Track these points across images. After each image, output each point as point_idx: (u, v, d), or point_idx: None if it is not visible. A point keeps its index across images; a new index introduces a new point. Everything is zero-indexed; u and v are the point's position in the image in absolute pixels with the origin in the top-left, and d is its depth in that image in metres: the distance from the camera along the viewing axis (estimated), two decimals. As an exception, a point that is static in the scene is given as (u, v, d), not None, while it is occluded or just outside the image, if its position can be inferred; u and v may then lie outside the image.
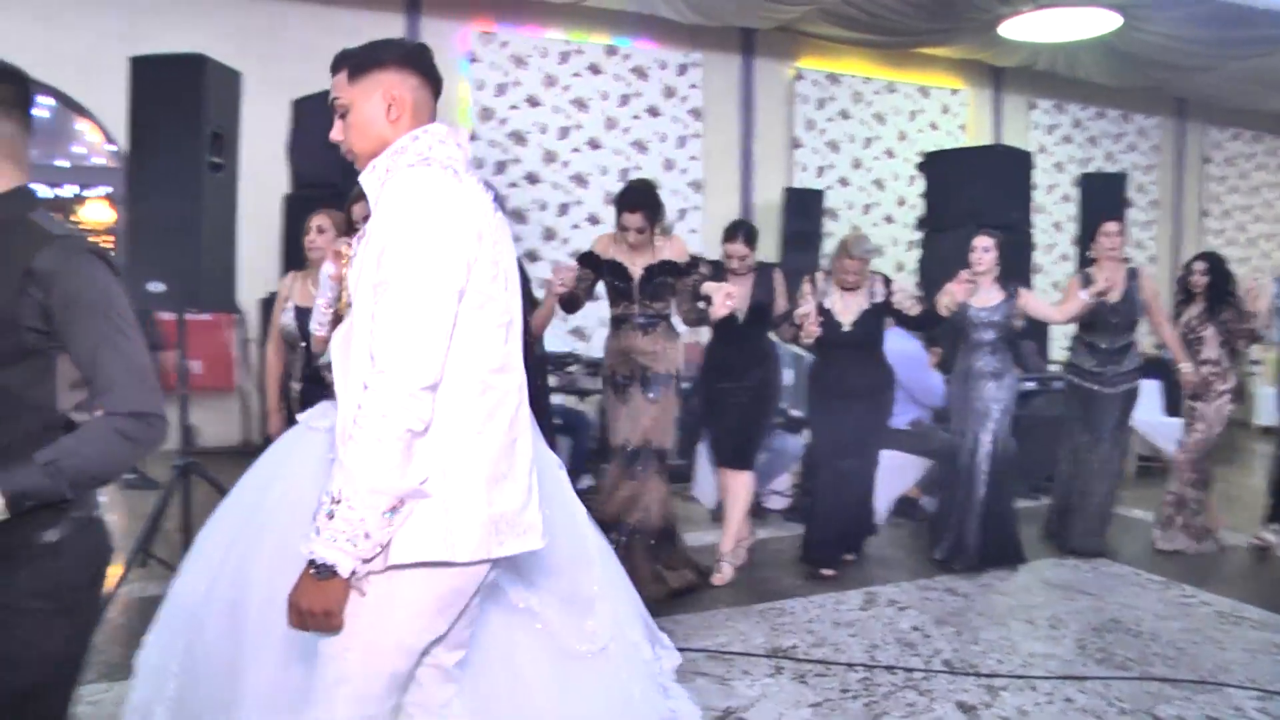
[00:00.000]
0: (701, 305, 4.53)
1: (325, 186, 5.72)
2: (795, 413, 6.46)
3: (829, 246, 7.90)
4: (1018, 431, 5.30)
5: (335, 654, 1.80)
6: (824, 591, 4.81)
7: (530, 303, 4.39)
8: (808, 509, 5.34)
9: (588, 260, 4.73)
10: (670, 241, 4.73)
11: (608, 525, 4.46)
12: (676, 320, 4.77)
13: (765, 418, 5.09)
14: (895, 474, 5.88)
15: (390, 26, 8.56)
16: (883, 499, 5.67)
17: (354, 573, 1.70)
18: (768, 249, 8.67)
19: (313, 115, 5.80)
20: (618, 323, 4.75)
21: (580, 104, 9.02)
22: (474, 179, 1.87)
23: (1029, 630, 4.31)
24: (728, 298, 4.20)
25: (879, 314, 4.95)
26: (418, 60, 1.92)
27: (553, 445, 3.93)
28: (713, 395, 5.06)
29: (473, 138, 8.85)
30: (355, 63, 1.88)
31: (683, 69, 9.19)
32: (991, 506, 5.12)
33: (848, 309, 4.96)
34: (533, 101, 8.94)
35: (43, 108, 7.89)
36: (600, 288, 4.77)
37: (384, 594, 1.77)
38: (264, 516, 2.72)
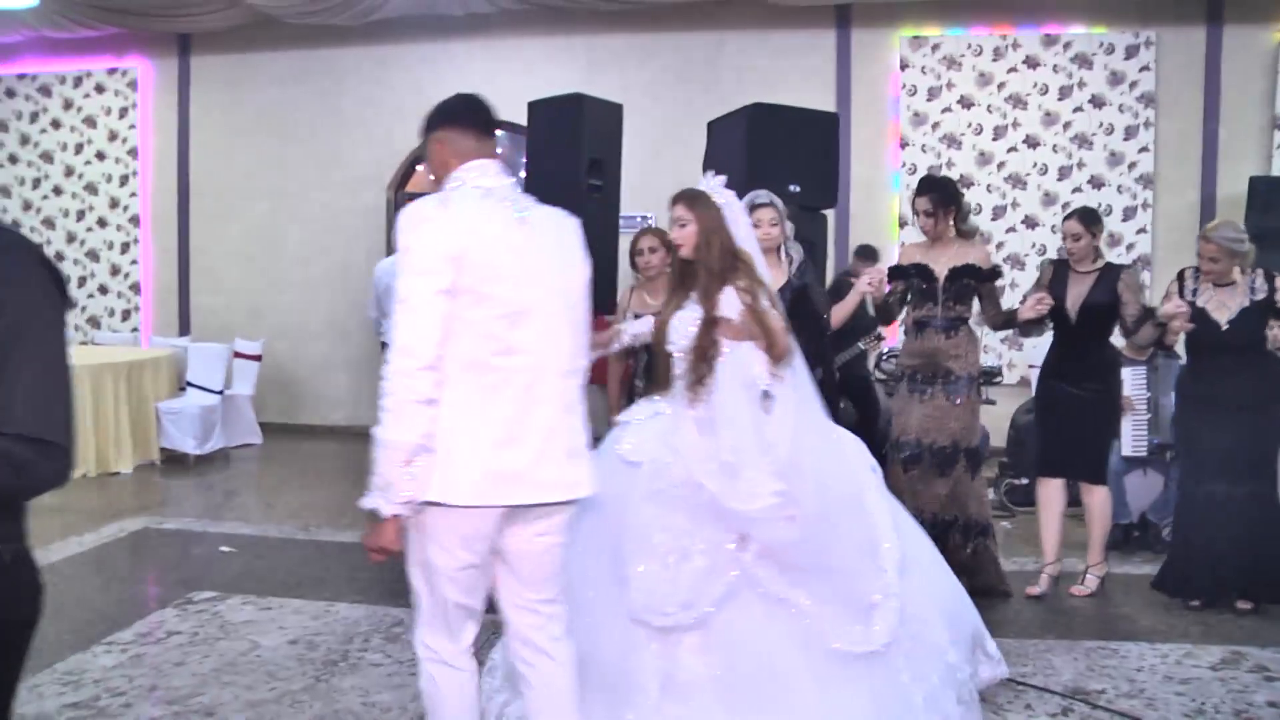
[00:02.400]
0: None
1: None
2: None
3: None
4: None
5: (410, 572, 2.51)
6: (1176, 640, 4.31)
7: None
8: (1171, 540, 4.94)
9: (896, 273, 4.95)
10: (975, 245, 4.87)
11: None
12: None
13: (1106, 427, 4.97)
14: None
15: (822, 42, 8.83)
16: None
17: (397, 515, 2.32)
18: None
19: (725, 134, 6.27)
20: (920, 325, 4.89)
21: (1017, 100, 8.70)
22: (503, 198, 2.51)
23: None
24: (1039, 302, 4.46)
25: (1261, 312, 4.49)
26: (449, 117, 2.64)
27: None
28: (1047, 402, 5.01)
29: (903, 145, 8.84)
30: (422, 128, 2.67)
31: (1132, 50, 8.50)
32: None
33: (1223, 306, 4.56)
34: (965, 103, 8.82)
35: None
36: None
37: (419, 526, 2.40)
38: None
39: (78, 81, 10.56)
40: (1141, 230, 8.51)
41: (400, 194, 9.95)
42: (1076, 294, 4.79)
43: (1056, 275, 4.89)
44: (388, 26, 9.28)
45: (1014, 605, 4.78)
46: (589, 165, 5.27)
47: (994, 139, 8.75)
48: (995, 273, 4.87)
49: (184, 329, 10.30)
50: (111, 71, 10.49)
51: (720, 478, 2.97)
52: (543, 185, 5.33)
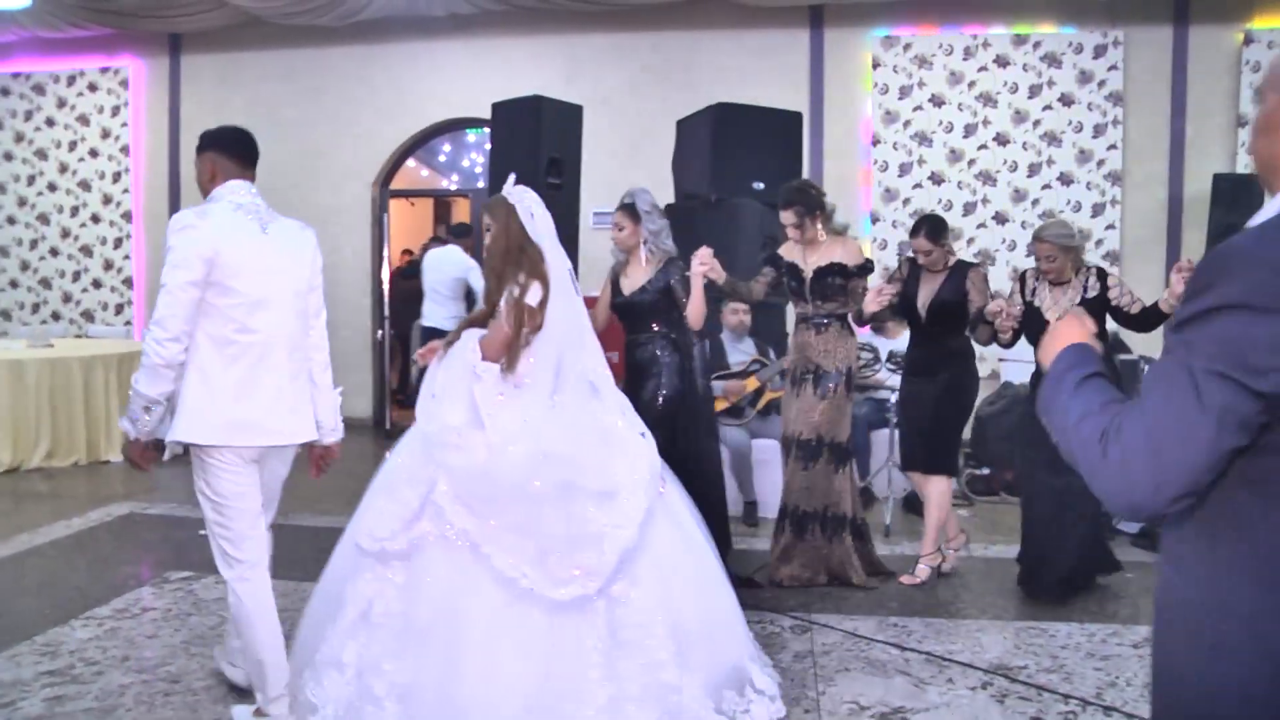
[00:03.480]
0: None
1: (697, 198, 6.34)
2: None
3: None
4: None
5: (201, 505, 3.33)
6: (1109, 621, 4.53)
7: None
8: (1023, 531, 5.09)
9: (772, 260, 5.16)
10: (844, 243, 5.03)
11: (784, 511, 5.11)
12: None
13: (956, 420, 5.18)
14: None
15: (795, 41, 9.02)
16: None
17: (139, 439, 3.22)
18: (1196, 243, 7.93)
19: (692, 133, 6.49)
20: (797, 321, 5.14)
21: (987, 99, 8.91)
22: (250, 212, 3.39)
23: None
24: (878, 294, 4.76)
25: (1093, 311, 4.58)
26: (218, 143, 3.55)
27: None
28: (904, 396, 5.31)
29: (875, 142, 9.01)
30: (197, 145, 3.55)
31: (1100, 50, 8.73)
32: None
33: (1056, 305, 4.76)
34: (937, 101, 9.00)
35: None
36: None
37: (198, 463, 3.28)
38: None
39: (71, 80, 10.85)
40: (1110, 226, 8.73)
41: (384, 190, 10.22)
42: (928, 292, 5.07)
43: (911, 274, 5.15)
44: (371, 27, 9.54)
45: (952, 587, 5.05)
46: (548, 164, 5.49)
47: (965, 136, 8.97)
48: (864, 269, 5.02)
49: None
50: (104, 70, 10.78)
51: (422, 408, 3.43)
52: (503, 183, 5.56)
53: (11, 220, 10.91)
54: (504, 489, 3.19)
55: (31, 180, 10.93)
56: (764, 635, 4.30)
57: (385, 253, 9.93)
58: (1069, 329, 1.61)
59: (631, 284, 4.73)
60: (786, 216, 4.95)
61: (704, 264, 4.50)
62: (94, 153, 10.84)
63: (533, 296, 3.38)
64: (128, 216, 10.78)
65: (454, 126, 10.14)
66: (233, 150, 3.48)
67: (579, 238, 5.87)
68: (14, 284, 10.99)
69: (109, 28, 10.08)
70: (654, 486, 3.35)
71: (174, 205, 10.59)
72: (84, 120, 10.86)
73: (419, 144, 10.38)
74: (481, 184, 10.31)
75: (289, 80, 10.25)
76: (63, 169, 10.89)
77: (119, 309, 10.87)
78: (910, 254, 5.12)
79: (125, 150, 10.76)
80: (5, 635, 4.21)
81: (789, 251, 5.09)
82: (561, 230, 5.61)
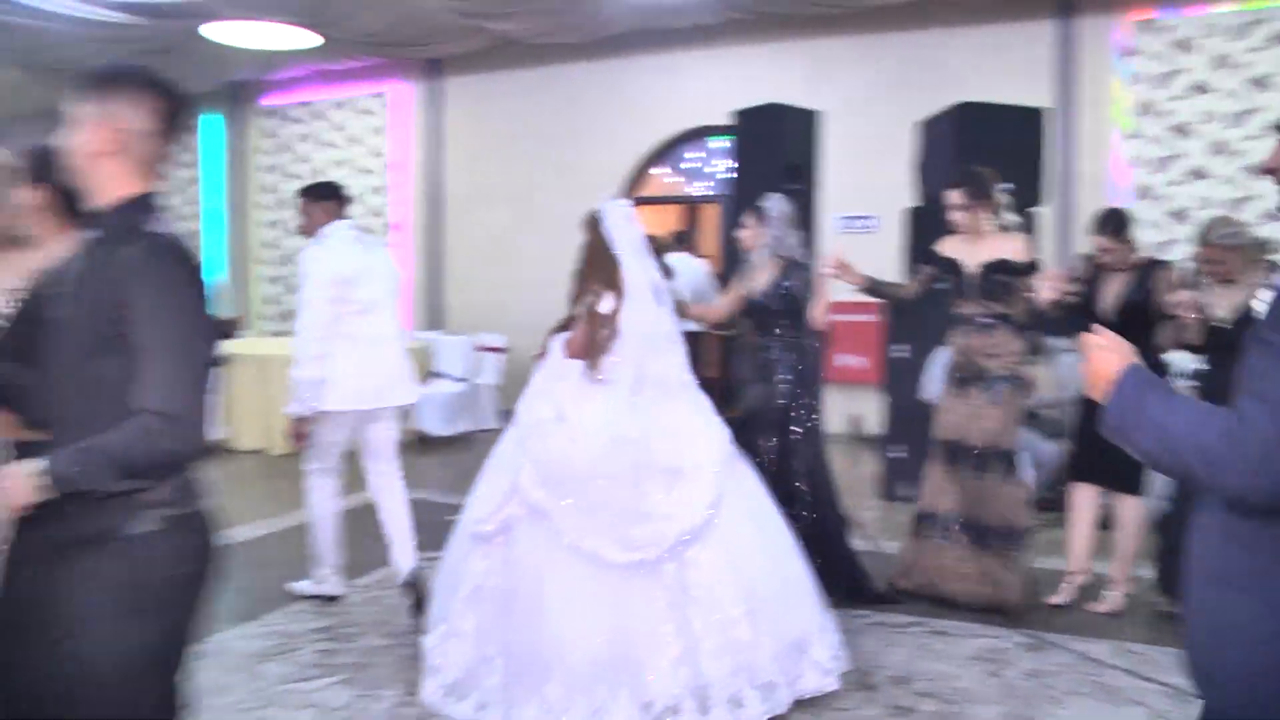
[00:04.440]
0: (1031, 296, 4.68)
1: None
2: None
3: None
4: None
5: (313, 439, 4.81)
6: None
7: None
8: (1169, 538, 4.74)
9: (928, 256, 5.04)
10: (1011, 239, 4.85)
11: (929, 515, 4.99)
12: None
13: None
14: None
15: (1040, 33, 8.90)
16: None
17: (302, 417, 4.67)
18: None
19: (934, 134, 6.61)
20: (958, 321, 4.96)
21: (1259, 84, 8.41)
22: (354, 240, 4.96)
23: None
24: (1052, 281, 4.49)
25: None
26: (321, 195, 5.06)
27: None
28: (1087, 407, 4.81)
29: (1129, 137, 8.79)
30: (305, 195, 5.12)
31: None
32: None
33: (1229, 305, 4.52)
34: (1200, 89, 8.58)
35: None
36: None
37: (321, 418, 4.74)
38: None
39: (344, 106, 12.06)
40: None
41: (631, 199, 10.69)
42: (1112, 293, 4.80)
43: (1090, 275, 4.87)
44: (618, 41, 10.10)
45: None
46: (788, 170, 5.77)
47: (1232, 126, 8.56)
48: (1033, 267, 4.77)
49: (436, 324, 11.54)
50: (374, 96, 11.95)
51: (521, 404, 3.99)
52: (745, 189, 5.90)
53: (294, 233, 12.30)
54: (580, 471, 3.63)
55: (311, 197, 12.26)
56: (992, 650, 4.37)
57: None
58: (1115, 355, 1.72)
59: (756, 286, 4.95)
60: (953, 197, 4.85)
61: (832, 270, 4.72)
62: (365, 170, 12.04)
63: (605, 305, 3.78)
64: (392, 227, 11.91)
65: (698, 134, 10.52)
66: (332, 199, 4.92)
67: (820, 242, 6.10)
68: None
69: (380, 58, 11.19)
70: (723, 470, 3.75)
71: (434, 216, 11.61)
72: (355, 140, 12.07)
73: (665, 152, 10.83)
74: (726, 190, 10.70)
75: (541, 96, 11.02)
76: (338, 186, 12.14)
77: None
78: (1089, 253, 4.91)
79: (392, 167, 11.89)
80: (289, 596, 5.00)
81: (949, 247, 4.96)
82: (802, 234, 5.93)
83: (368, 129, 12.07)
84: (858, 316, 9.06)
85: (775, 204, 4.95)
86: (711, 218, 10.72)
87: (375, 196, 12.04)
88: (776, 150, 5.85)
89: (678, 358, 3.94)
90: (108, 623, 1.95)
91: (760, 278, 4.93)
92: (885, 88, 9.42)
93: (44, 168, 2.66)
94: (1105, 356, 1.73)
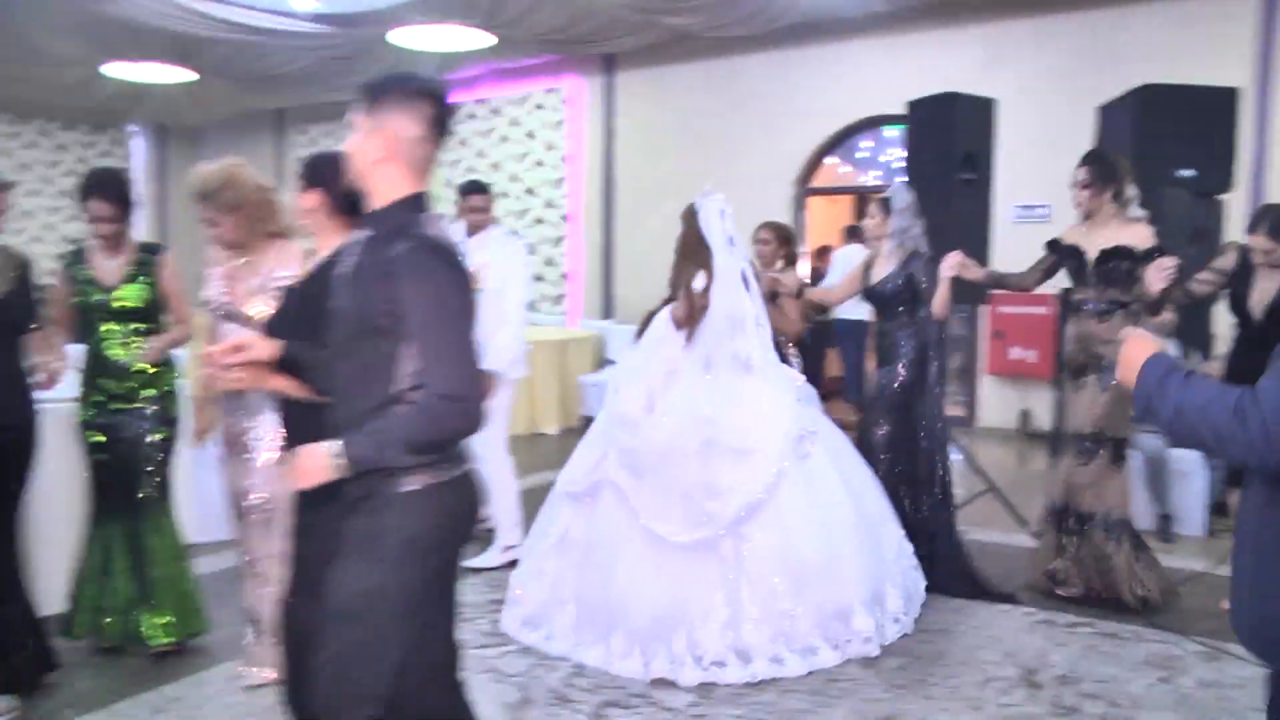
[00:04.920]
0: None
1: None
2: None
3: None
4: None
5: None
6: None
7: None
8: None
9: (1052, 245, 5.04)
10: (1133, 226, 4.81)
11: (1053, 510, 5.01)
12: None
13: None
14: None
15: (1235, 8, 8.55)
16: None
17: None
18: None
19: (1115, 118, 6.50)
20: (1075, 308, 4.98)
21: None
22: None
23: None
24: (1160, 275, 4.44)
25: None
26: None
27: None
28: None
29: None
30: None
31: None
32: None
33: (1264, 289, 4.53)
34: None
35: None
36: None
37: None
38: None
39: (521, 102, 12.56)
40: None
41: (803, 188, 10.91)
42: (1265, 291, 4.69)
43: (1241, 270, 4.76)
44: (789, 32, 10.20)
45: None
46: (962, 159, 5.79)
47: None
48: (1152, 254, 4.68)
49: (607, 313, 11.95)
50: (549, 91, 12.42)
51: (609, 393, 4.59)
52: (919, 179, 5.95)
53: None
54: (657, 454, 4.18)
55: (488, 190, 12.84)
56: (1164, 656, 4.31)
57: (801, 249, 10.59)
58: (1141, 346, 1.94)
59: (878, 274, 5.16)
60: (1079, 173, 4.87)
61: (952, 269, 4.87)
62: (539, 163, 12.55)
63: (698, 283, 4.37)
64: (566, 218, 12.35)
65: (871, 124, 10.53)
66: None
67: (995, 231, 6.08)
68: (471, 280, 12.95)
69: (555, 55, 11.62)
70: (788, 451, 4.17)
71: (607, 207, 11.98)
72: (531, 135, 12.58)
73: (837, 142, 10.88)
74: (899, 179, 10.66)
75: (712, 89, 11.24)
76: (513, 178, 12.67)
77: (557, 300, 12.46)
78: (1242, 245, 4.81)
79: (566, 160, 12.33)
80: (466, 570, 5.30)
81: (1071, 234, 4.98)
82: (974, 225, 5.95)
83: (543, 124, 12.55)
84: (1030, 309, 8.96)
85: (900, 194, 5.17)
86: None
87: (551, 190, 12.52)
88: (950, 139, 5.87)
89: (760, 340, 4.40)
90: (353, 561, 2.19)
91: (882, 266, 5.18)
92: (1062, 71, 9.23)
93: (316, 173, 3.03)
94: (1136, 346, 1.96)
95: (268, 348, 2.44)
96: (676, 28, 10.28)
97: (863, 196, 11.79)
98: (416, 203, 2.28)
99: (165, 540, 4.16)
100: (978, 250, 5.85)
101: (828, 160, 11.09)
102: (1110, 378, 4.72)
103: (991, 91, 6.42)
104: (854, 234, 10.58)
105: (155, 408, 4.10)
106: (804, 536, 4.12)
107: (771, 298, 5.23)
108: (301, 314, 2.57)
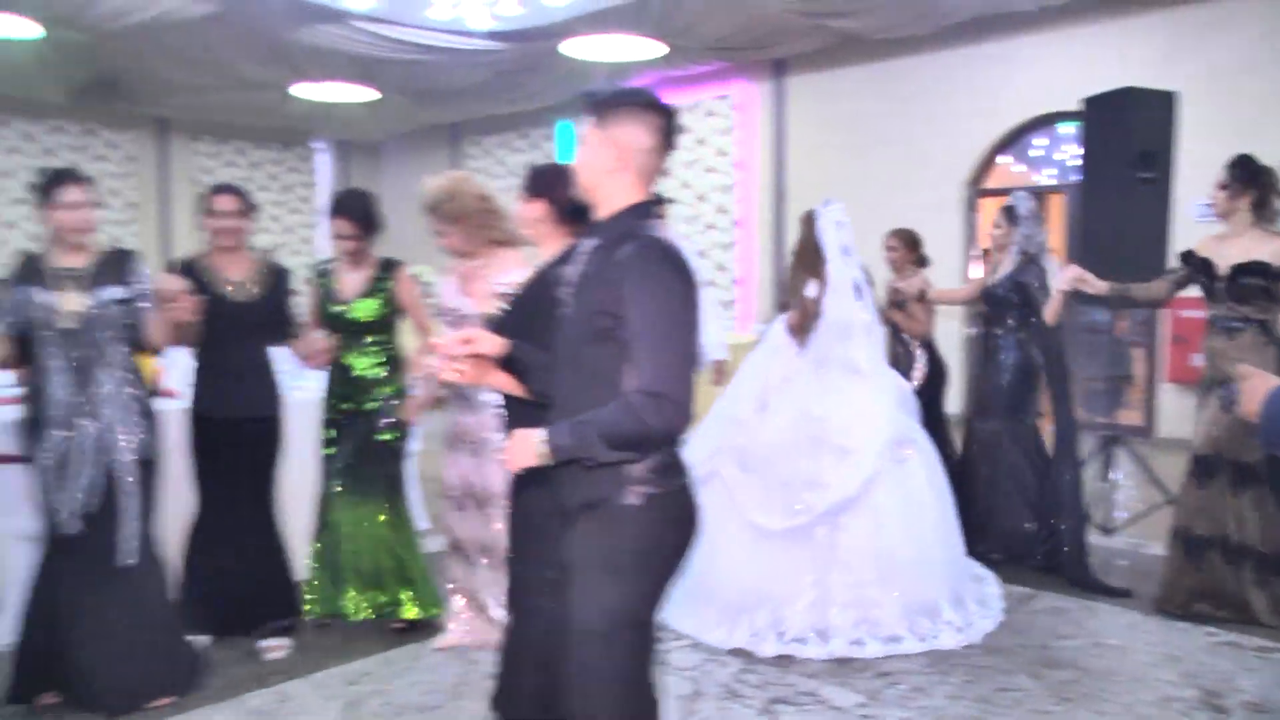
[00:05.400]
0: None
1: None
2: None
3: None
4: None
5: None
6: None
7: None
8: None
9: (1185, 257, 4.91)
10: (1272, 240, 4.62)
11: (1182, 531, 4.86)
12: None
13: None
14: None
15: None
16: None
17: None
18: None
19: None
20: (1208, 324, 4.80)
21: None
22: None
23: None
24: None
25: None
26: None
27: None
28: None
29: None
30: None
31: None
32: None
33: None
34: None
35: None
36: None
37: None
38: None
39: (691, 109, 12.79)
40: None
41: (975, 189, 10.81)
42: None
43: None
44: (960, 30, 10.12)
45: None
46: (1140, 157, 5.69)
47: None
48: None
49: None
50: (719, 98, 12.67)
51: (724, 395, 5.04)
52: (1095, 178, 5.90)
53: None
54: (764, 450, 4.56)
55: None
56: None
57: (973, 251, 10.49)
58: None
59: (994, 278, 5.36)
60: (1220, 175, 4.77)
61: (1069, 283, 5.03)
62: (710, 169, 12.77)
63: (810, 291, 4.72)
64: (736, 224, 12.55)
65: (1046, 121, 10.33)
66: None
67: (1177, 230, 5.92)
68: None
69: (724, 62, 11.86)
70: (885, 452, 4.50)
71: (778, 211, 12.13)
72: (701, 142, 12.81)
73: (1011, 141, 10.72)
74: (1075, 179, 10.42)
75: (882, 90, 11.24)
76: (684, 185, 12.92)
77: (727, 305, 12.63)
78: None
79: (736, 166, 12.53)
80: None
81: (1205, 246, 4.83)
82: (1152, 225, 5.83)
83: (714, 130, 12.77)
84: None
85: (1023, 202, 5.37)
86: (1059, 207, 10.48)
87: (721, 195, 12.73)
88: (1128, 136, 5.76)
89: (869, 347, 4.74)
90: (592, 578, 2.27)
91: (999, 271, 5.39)
92: (1253, 58, 8.83)
93: (541, 184, 3.31)
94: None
95: (495, 344, 2.56)
96: (845, 30, 10.36)
97: (1037, 196, 11.59)
98: (644, 209, 2.37)
99: (399, 532, 4.59)
100: (1156, 251, 5.77)
101: (1000, 159, 10.95)
102: (1232, 398, 4.61)
103: (1173, 84, 6.26)
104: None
105: (386, 410, 4.53)
106: (895, 532, 4.46)
107: (898, 303, 5.77)
108: (524, 317, 2.79)
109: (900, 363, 6.23)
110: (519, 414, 2.62)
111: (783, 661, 4.28)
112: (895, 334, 6.31)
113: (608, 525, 2.26)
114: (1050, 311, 5.10)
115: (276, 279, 4.43)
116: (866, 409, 4.57)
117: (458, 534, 4.34)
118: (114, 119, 14.53)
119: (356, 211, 4.49)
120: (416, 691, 4.03)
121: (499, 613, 4.13)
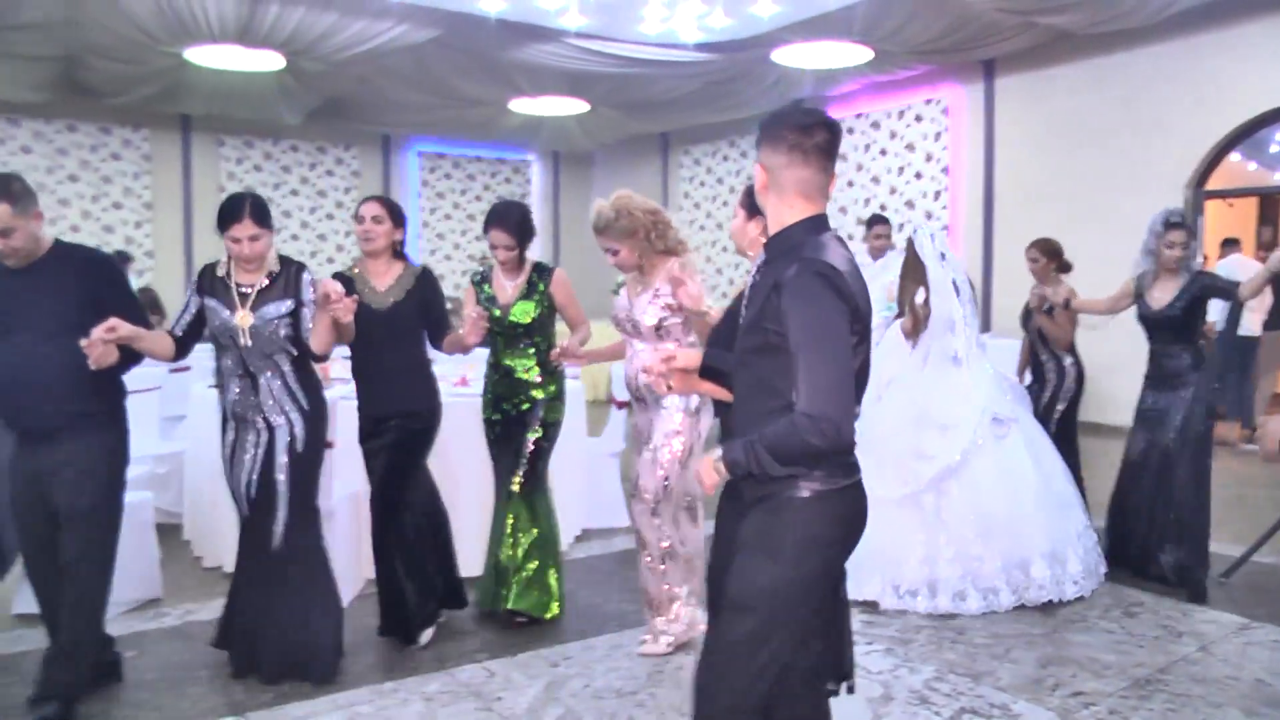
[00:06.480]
0: None
1: None
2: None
3: None
4: None
5: None
6: None
7: None
8: None
9: None
10: None
11: None
12: None
13: None
14: None
15: None
16: None
17: None
18: None
19: None
20: None
21: None
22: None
23: None
24: None
25: None
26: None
27: None
28: None
29: None
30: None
31: None
32: None
33: None
34: None
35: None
36: None
37: None
38: None
39: (900, 114, 13.08)
40: None
41: (1198, 191, 10.45)
42: None
43: None
44: (1179, 21, 9.86)
45: None
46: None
47: None
48: None
49: (985, 325, 11.85)
50: (927, 102, 12.84)
51: None
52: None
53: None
54: (880, 431, 5.15)
55: (867, 203, 13.44)
56: None
57: (1199, 258, 10.12)
58: None
59: (1158, 300, 5.63)
60: None
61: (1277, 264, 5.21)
62: (918, 175, 12.94)
63: (919, 297, 5.57)
64: (946, 229, 12.52)
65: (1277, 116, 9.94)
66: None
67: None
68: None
69: (932, 65, 12.03)
70: (983, 427, 5.30)
71: (988, 218, 12.16)
72: (910, 147, 13.01)
73: (1241, 137, 10.30)
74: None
75: (1095, 88, 11.08)
76: (891, 191, 13.16)
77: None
78: None
79: (945, 170, 12.66)
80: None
81: None
82: None
83: (922, 135, 12.92)
84: None
85: (1178, 215, 5.59)
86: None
87: (930, 202, 12.87)
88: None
89: (966, 338, 5.53)
90: (751, 557, 2.45)
91: (1164, 293, 5.66)
92: None
93: (755, 201, 3.49)
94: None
95: (690, 357, 2.82)
96: (1056, 27, 10.34)
97: (1273, 198, 11.09)
98: (810, 226, 2.48)
99: (535, 528, 4.91)
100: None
101: (1232, 157, 10.60)
102: None
103: None
104: (1229, 244, 9.99)
105: (537, 409, 4.88)
106: (993, 496, 5.24)
107: (1046, 310, 6.36)
108: (729, 326, 3.09)
109: (1044, 371, 6.59)
110: (725, 414, 2.91)
111: (901, 615, 5.05)
112: (1041, 341, 6.61)
113: (775, 512, 2.43)
114: (1250, 287, 5.34)
115: (416, 284, 4.70)
116: (965, 391, 5.43)
117: (645, 535, 4.57)
118: (341, 136, 15.95)
119: (511, 222, 4.79)
120: (616, 677, 4.34)
121: (697, 613, 4.48)
